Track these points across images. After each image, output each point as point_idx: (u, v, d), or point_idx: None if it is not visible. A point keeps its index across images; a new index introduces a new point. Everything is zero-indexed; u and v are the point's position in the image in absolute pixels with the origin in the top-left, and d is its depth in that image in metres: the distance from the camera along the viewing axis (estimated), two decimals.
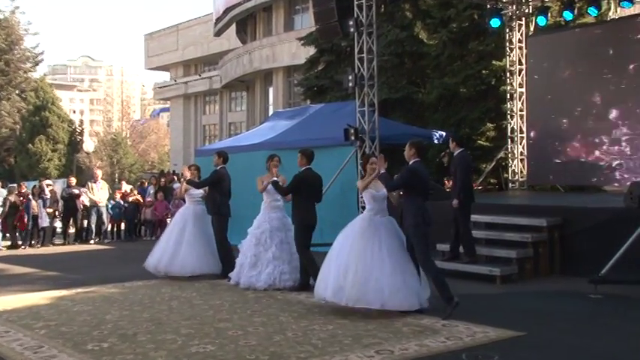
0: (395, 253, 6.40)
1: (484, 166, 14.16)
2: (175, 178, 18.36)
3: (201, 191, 9.36)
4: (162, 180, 17.24)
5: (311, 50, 20.00)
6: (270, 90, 37.18)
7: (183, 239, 9.05)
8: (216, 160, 9.19)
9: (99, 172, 15.79)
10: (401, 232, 6.61)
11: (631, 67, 12.12)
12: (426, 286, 6.50)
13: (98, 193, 14.86)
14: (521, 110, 14.06)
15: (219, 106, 48.99)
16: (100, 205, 14.78)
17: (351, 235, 6.57)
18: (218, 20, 39.37)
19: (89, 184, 15.07)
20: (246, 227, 8.25)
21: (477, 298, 7.30)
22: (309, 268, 7.54)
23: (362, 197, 6.78)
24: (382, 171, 6.52)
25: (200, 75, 50.39)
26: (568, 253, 8.75)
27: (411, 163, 6.60)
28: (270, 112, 30.78)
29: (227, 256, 8.82)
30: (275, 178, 7.94)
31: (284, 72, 35.21)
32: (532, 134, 13.79)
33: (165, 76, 59.24)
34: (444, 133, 13.02)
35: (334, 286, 6.36)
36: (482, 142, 14.82)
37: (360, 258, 6.34)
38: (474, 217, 9.12)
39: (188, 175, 9.32)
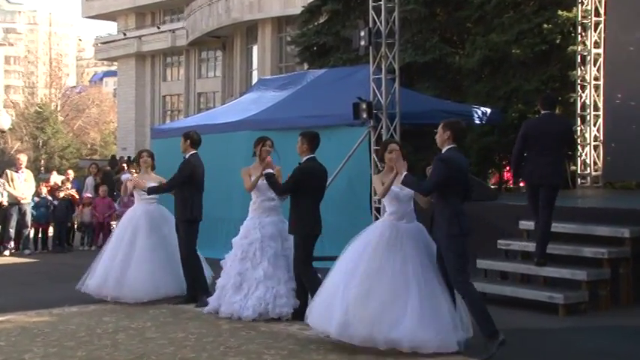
0: (424, 274, 6.47)
1: None
2: (126, 167, 18.41)
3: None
4: (107, 168, 17.27)
5: None
6: (254, 49, 37.16)
7: (133, 253, 9.09)
8: (183, 144, 9.02)
9: (23, 158, 15.72)
10: (433, 245, 6.67)
11: None
12: (465, 320, 6.54)
13: (21, 186, 14.85)
14: (596, 79, 14.05)
15: (185, 70, 49.01)
16: (23, 202, 14.78)
17: (365, 248, 6.63)
18: None
19: (8, 173, 15.04)
20: (220, 235, 8.26)
21: (531, 333, 7.31)
22: (310, 290, 7.54)
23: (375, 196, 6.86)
24: (404, 172, 6.52)
25: (159, 27, 50.38)
26: None
27: (444, 150, 6.61)
28: (254, 80, 30.81)
29: (195, 273, 8.84)
30: (269, 170, 7.75)
31: (273, 25, 35.16)
32: (611, 112, 13.78)
33: (110, 28, 59.40)
34: (488, 110, 13.00)
35: (341, 320, 6.41)
36: None
37: (377, 281, 6.40)
38: (526, 224, 9.25)
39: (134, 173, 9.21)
